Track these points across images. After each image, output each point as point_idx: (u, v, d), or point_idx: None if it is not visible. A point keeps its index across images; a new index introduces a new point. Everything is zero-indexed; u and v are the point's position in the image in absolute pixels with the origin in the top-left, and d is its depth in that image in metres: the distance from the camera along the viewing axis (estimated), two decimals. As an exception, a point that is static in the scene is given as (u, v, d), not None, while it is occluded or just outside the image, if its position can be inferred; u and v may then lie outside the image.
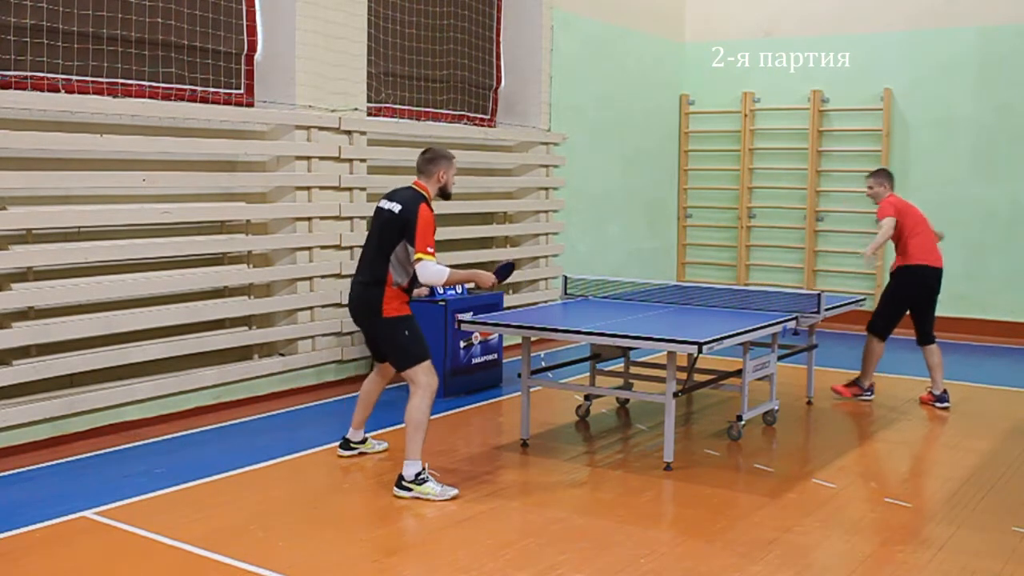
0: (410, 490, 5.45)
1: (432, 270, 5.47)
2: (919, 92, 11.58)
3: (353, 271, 8.55)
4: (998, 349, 10.68)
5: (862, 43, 11.87)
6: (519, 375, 6.59)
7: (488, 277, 5.76)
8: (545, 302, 9.76)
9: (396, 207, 5.63)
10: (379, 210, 5.74)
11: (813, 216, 12.22)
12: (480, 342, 8.20)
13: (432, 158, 5.81)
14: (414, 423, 5.51)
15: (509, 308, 8.57)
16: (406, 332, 5.65)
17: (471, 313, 6.95)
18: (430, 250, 5.49)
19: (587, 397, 7.40)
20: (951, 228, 11.52)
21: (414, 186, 5.78)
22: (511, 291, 10.16)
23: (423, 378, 5.56)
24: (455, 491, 5.51)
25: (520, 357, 6.65)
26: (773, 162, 12.56)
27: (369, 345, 6.09)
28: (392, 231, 5.59)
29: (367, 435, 6.32)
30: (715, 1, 12.87)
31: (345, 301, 8.25)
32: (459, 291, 8.17)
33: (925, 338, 7.92)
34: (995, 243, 11.28)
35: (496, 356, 8.39)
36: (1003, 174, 11.20)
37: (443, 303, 7.91)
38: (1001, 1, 11.13)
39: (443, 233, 9.13)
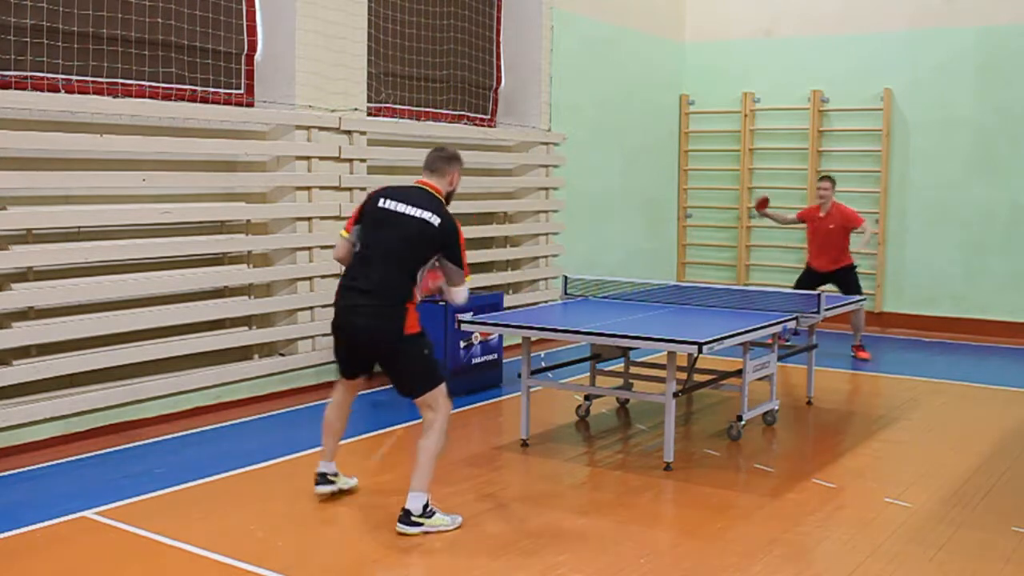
0: (420, 524, 4.92)
1: (465, 295, 5.13)
2: (919, 92, 11.58)
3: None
4: (998, 349, 10.68)
5: (862, 43, 11.87)
6: (519, 375, 6.59)
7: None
8: (545, 302, 9.77)
9: (433, 218, 4.96)
10: (397, 215, 5.00)
11: (813, 216, 12.22)
12: (480, 342, 8.20)
13: (450, 157, 5.18)
14: (431, 453, 4.94)
15: (509, 308, 8.57)
16: (425, 351, 5.04)
17: (471, 313, 6.95)
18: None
19: (587, 397, 7.40)
20: (951, 228, 11.58)
21: (429, 189, 5.13)
22: (511, 291, 10.17)
23: (444, 402, 5.01)
24: (460, 518, 5.07)
25: (520, 357, 6.65)
26: (773, 162, 12.56)
27: (350, 362, 5.34)
28: (429, 244, 4.97)
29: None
30: (715, 1, 12.87)
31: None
32: None
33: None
34: (995, 243, 11.28)
35: (496, 356, 8.38)
36: (1003, 174, 11.20)
37: (443, 303, 7.90)
38: (1001, 1, 11.13)
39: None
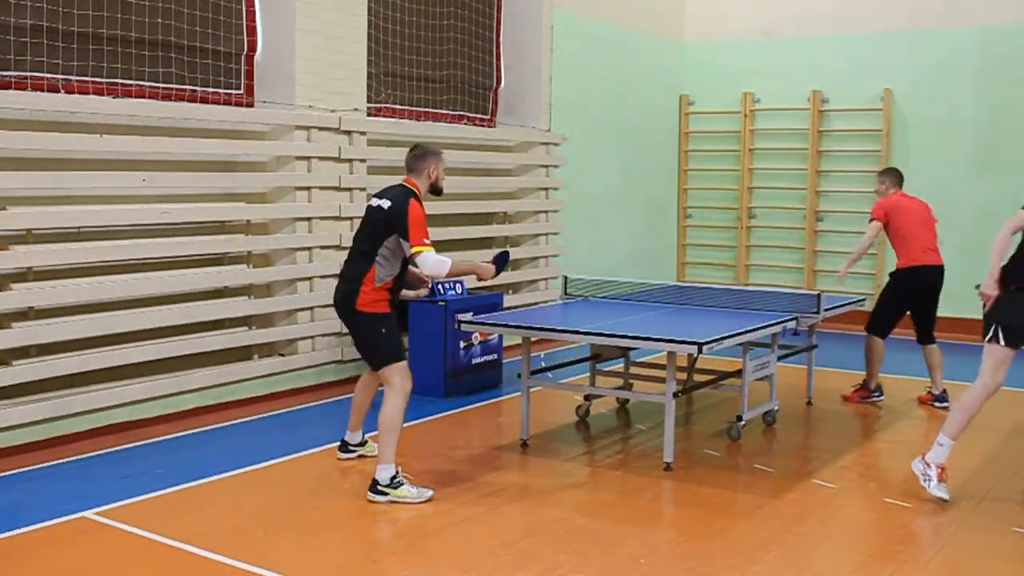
0: (385, 494, 5.36)
1: (433, 260, 5.42)
2: (919, 92, 11.58)
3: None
4: (998, 349, 10.64)
5: (862, 43, 11.86)
6: (519, 375, 6.59)
7: (488, 269, 5.75)
8: (545, 302, 9.76)
9: (385, 203, 5.55)
10: (369, 208, 5.67)
11: (813, 216, 12.22)
12: (480, 342, 8.20)
13: (421, 154, 5.75)
14: (387, 425, 5.42)
15: (509, 308, 8.56)
16: (382, 330, 5.55)
17: (471, 313, 6.95)
18: (427, 242, 5.42)
19: (587, 397, 7.40)
20: (951, 228, 11.50)
21: (404, 183, 5.70)
22: (511, 291, 10.16)
23: (397, 379, 5.48)
24: (431, 492, 5.44)
25: (520, 357, 6.65)
26: (773, 162, 12.56)
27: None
28: (381, 226, 5.51)
29: (366, 437, 6.24)
30: (715, 1, 12.87)
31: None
32: (459, 291, 8.16)
33: (925, 337, 8.02)
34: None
35: (496, 356, 8.38)
36: (1003, 174, 11.19)
37: (443, 303, 7.90)
38: (1001, 1, 11.12)
39: (444, 233, 9.15)
